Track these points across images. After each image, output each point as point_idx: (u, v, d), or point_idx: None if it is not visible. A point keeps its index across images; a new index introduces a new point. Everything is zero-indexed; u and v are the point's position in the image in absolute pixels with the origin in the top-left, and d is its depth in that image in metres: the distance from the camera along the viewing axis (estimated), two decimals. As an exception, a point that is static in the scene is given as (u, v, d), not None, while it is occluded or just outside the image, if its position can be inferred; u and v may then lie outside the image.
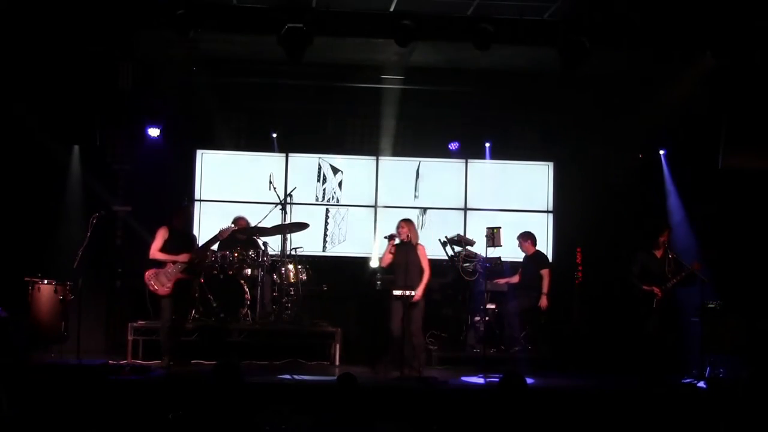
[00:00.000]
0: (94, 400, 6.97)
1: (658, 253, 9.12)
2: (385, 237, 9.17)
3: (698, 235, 10.12)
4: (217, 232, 9.28)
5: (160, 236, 8.90)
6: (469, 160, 11.74)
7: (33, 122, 9.82)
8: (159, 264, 8.84)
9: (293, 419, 6.24)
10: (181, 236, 8.99)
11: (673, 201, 10.75)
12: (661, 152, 11.01)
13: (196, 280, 9.34)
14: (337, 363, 9.57)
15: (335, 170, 11.64)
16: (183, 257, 8.82)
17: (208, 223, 11.34)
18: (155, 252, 8.87)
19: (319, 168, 11.62)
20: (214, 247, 10.31)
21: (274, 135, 11.35)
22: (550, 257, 10.89)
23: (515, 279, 10.40)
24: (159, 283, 8.78)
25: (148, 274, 8.85)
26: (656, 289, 8.95)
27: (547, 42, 8.82)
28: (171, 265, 8.82)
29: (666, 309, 8.97)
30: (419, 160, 11.67)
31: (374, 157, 11.61)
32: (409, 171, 11.68)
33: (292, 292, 10.22)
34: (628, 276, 9.15)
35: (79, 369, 8.25)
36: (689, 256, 9.18)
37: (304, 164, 11.59)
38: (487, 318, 9.96)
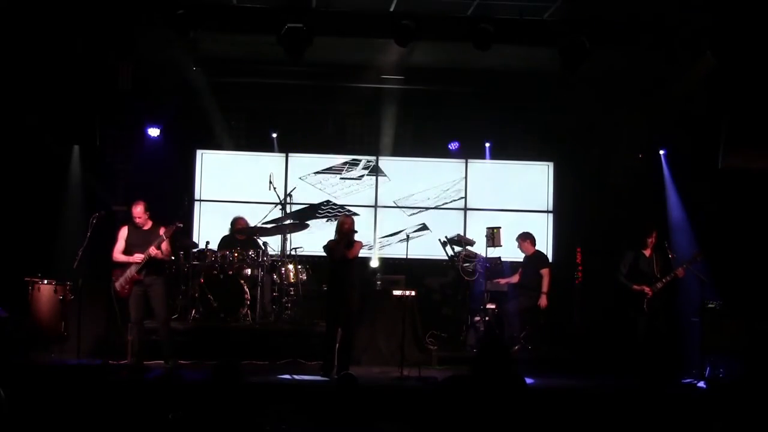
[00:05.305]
0: (94, 400, 6.96)
1: (647, 253, 9.13)
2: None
3: (698, 235, 10.11)
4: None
5: (120, 237, 8.62)
6: (469, 160, 11.75)
7: (33, 122, 9.81)
8: (123, 265, 8.55)
9: (294, 419, 6.24)
10: (142, 235, 8.59)
11: (673, 201, 10.74)
12: (661, 152, 11.01)
13: (160, 280, 8.68)
14: (337, 363, 9.56)
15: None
16: (135, 258, 8.48)
17: (208, 223, 11.37)
18: (116, 254, 8.58)
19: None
20: (214, 246, 10.35)
21: (274, 135, 11.38)
22: (550, 257, 10.89)
23: (515, 279, 10.40)
24: (119, 284, 8.54)
25: (114, 275, 8.60)
26: (647, 289, 8.95)
27: (547, 42, 8.82)
28: (130, 266, 8.51)
29: (658, 309, 8.98)
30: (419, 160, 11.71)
31: (374, 157, 11.63)
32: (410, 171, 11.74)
33: (292, 292, 10.23)
34: (616, 275, 9.17)
35: (79, 369, 8.25)
36: (686, 257, 9.17)
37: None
38: (487, 318, 9.96)
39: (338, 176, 11.69)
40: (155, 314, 8.69)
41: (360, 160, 11.68)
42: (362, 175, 11.71)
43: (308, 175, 11.61)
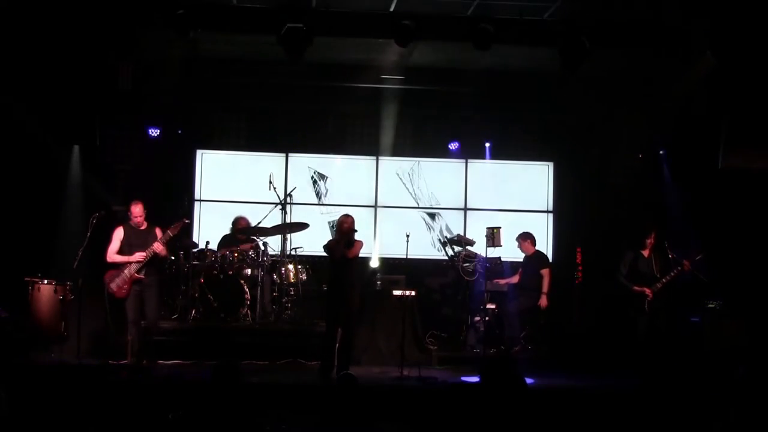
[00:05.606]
0: (94, 400, 6.96)
1: (645, 253, 9.14)
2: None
3: (698, 235, 10.10)
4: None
5: (116, 237, 8.58)
6: (469, 160, 11.75)
7: (33, 122, 9.82)
8: (118, 265, 8.54)
9: (294, 419, 6.24)
10: (140, 234, 8.60)
11: (673, 201, 10.74)
12: (661, 152, 11.00)
13: (158, 280, 8.77)
14: (337, 363, 9.56)
15: (322, 176, 11.65)
16: (136, 257, 8.47)
17: (208, 223, 11.37)
18: (111, 254, 8.54)
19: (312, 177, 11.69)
20: (213, 246, 10.35)
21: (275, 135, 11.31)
22: (550, 257, 10.89)
23: (515, 279, 10.40)
24: (116, 285, 8.49)
25: (107, 276, 8.55)
26: (647, 290, 8.96)
27: (547, 42, 8.82)
28: (128, 266, 8.48)
29: (658, 309, 8.97)
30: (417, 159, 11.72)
31: (374, 157, 11.63)
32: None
33: (292, 292, 10.23)
34: (616, 276, 9.17)
35: (79, 369, 8.25)
36: (686, 256, 9.17)
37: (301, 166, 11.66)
38: (487, 318, 9.96)
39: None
40: (147, 314, 8.67)
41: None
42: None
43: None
